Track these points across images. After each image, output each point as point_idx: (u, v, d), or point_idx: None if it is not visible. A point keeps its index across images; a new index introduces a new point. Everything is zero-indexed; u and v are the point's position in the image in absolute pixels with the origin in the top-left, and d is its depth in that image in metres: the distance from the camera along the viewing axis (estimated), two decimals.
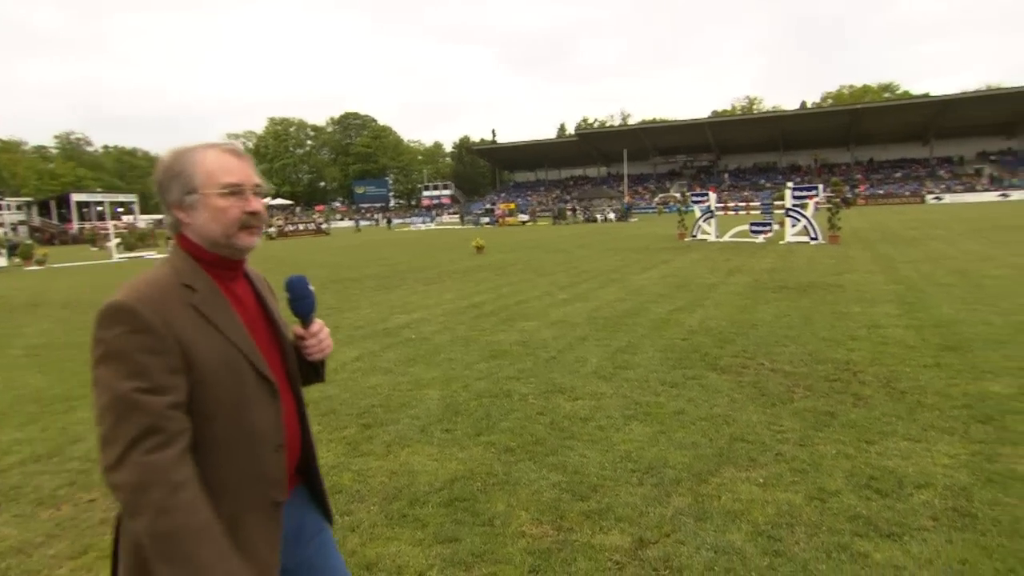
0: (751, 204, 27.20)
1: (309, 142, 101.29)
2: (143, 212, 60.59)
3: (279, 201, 68.42)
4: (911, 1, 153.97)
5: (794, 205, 18.27)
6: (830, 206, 17.45)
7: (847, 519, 2.87)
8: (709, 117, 79.00)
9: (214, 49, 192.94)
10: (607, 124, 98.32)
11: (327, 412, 4.70)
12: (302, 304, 1.40)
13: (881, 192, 61.28)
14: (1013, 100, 60.00)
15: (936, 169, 66.18)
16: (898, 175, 66.54)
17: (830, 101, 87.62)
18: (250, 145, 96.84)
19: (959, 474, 3.25)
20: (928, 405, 4.27)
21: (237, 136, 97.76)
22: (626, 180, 70.83)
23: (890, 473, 3.30)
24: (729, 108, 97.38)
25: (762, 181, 68.95)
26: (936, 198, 55.26)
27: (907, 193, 59.14)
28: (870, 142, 70.42)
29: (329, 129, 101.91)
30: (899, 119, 65.97)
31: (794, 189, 18.68)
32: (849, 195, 51.86)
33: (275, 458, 1.25)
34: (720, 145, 76.04)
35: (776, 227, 19.04)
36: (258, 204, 1.26)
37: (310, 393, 5.12)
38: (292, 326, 1.43)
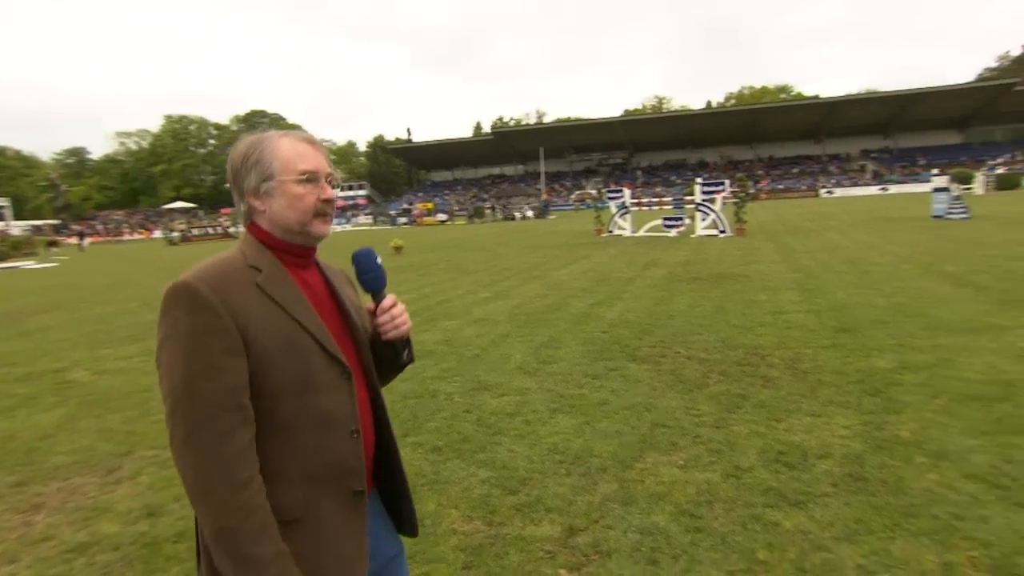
0: (663, 200, 28.34)
1: (212, 141, 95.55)
2: (17, 218, 55.16)
3: (179, 204, 64.35)
4: (803, 9, 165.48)
5: (703, 200, 19.20)
6: (736, 200, 18.47)
7: (760, 492, 3.06)
8: (622, 116, 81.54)
9: (101, 42, 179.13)
10: (523, 123, 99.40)
11: None
12: (370, 278, 1.34)
13: (781, 187, 65.40)
14: (887, 103, 66.21)
15: (827, 165, 71.47)
16: (795, 171, 71.25)
17: (733, 101, 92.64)
18: (144, 145, 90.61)
19: (854, 443, 3.55)
20: (827, 382, 4.62)
21: (129, 135, 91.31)
22: (543, 178, 71.88)
23: (796, 447, 3.54)
24: (640, 107, 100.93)
25: (673, 177, 72.03)
26: (828, 192, 59.66)
27: (804, 188, 63.43)
28: (770, 140, 75.05)
29: (234, 128, 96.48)
30: (794, 119, 70.74)
31: (703, 184, 19.63)
32: (752, 190, 55.02)
33: (350, 444, 1.20)
34: (633, 143, 78.67)
35: (687, 221, 19.93)
36: (332, 192, 1.26)
37: None
38: (366, 305, 1.37)
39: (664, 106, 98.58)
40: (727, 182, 19.57)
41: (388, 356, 1.38)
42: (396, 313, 1.34)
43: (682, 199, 20.98)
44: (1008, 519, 2.68)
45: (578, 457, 3.59)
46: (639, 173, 77.85)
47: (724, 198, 18.97)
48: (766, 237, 17.05)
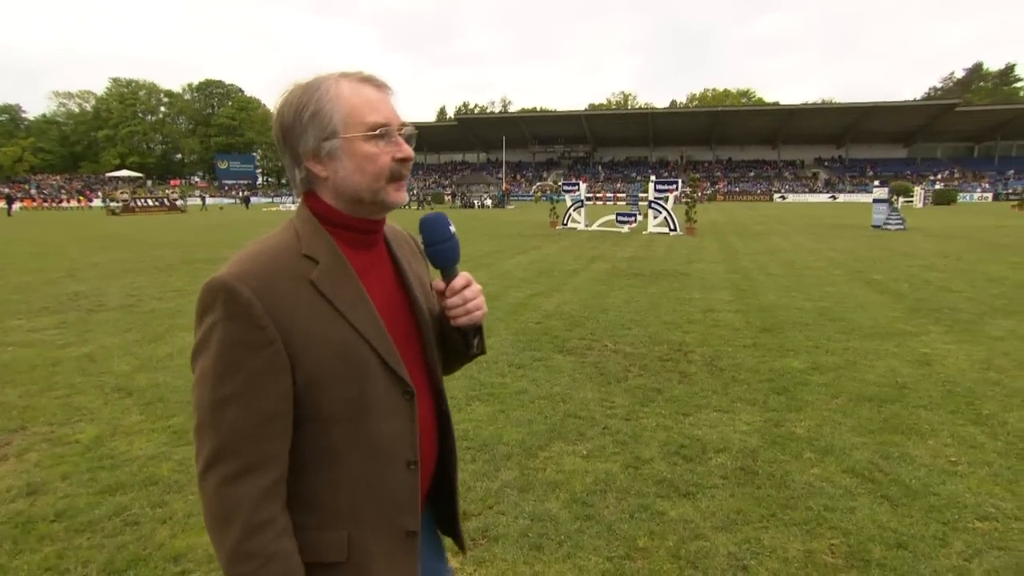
0: (618, 195, 28.72)
1: (162, 109, 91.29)
2: None
3: (124, 172, 61.44)
4: (767, 18, 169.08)
5: (656, 198, 19.52)
6: (688, 200, 18.87)
7: (654, 483, 3.17)
8: (586, 110, 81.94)
9: None
10: (487, 111, 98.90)
11: (153, 400, 4.39)
12: (441, 251, 1.09)
13: (738, 189, 67.14)
14: (841, 114, 68.74)
15: (782, 171, 73.65)
16: (752, 174, 73.21)
17: (696, 102, 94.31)
18: (88, 107, 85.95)
19: (751, 438, 3.70)
20: (740, 380, 4.79)
21: (71, 96, 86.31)
22: (504, 167, 71.75)
23: (697, 441, 3.67)
24: (606, 102, 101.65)
25: (634, 174, 72.95)
26: (782, 197, 61.55)
27: (759, 191, 65.29)
28: (729, 143, 76.82)
29: (187, 96, 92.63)
30: (754, 124, 72.62)
31: (656, 183, 19.96)
32: (708, 191, 56.23)
33: (406, 477, 1.01)
34: (596, 137, 79.26)
35: (640, 218, 20.25)
36: (409, 149, 1.01)
37: (137, 380, 4.77)
38: (434, 282, 1.13)
39: (629, 103, 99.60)
40: (679, 181, 19.93)
41: (456, 344, 1.16)
42: (470, 295, 1.09)
43: (637, 196, 21.28)
44: (872, 510, 2.85)
45: (486, 444, 3.64)
46: (600, 168, 78.56)
47: (677, 197, 19.34)
48: (714, 237, 17.47)
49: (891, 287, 8.81)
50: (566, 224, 21.98)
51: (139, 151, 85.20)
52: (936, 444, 3.58)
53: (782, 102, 76.01)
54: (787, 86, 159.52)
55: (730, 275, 10.15)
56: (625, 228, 20.08)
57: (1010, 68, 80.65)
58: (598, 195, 27.03)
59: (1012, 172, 62.40)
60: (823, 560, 2.50)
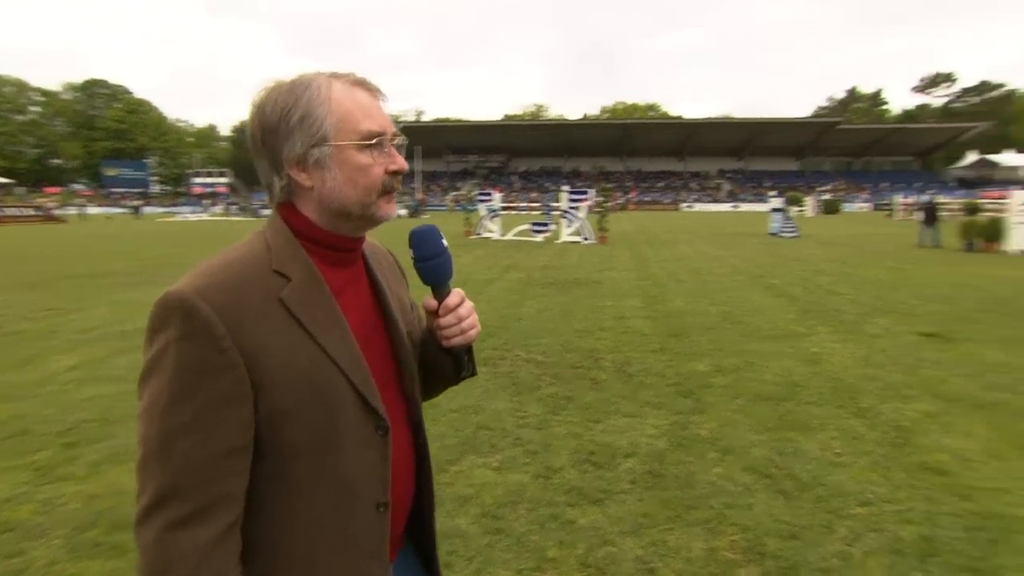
0: (532, 205, 29.15)
1: (35, 108, 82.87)
2: None
3: None
4: (672, 36, 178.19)
5: (570, 208, 19.95)
6: (600, 210, 19.41)
7: (564, 492, 3.17)
8: (501, 120, 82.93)
9: None
10: (400, 119, 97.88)
11: (15, 434, 3.93)
12: (434, 267, 0.99)
13: (648, 199, 69.93)
14: (740, 129, 73.62)
15: (689, 182, 77.51)
16: (661, 185, 76.53)
17: (608, 115, 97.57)
18: None
19: (659, 442, 3.79)
20: (648, 385, 4.92)
21: None
22: (420, 177, 71.14)
23: (607, 447, 3.72)
24: (520, 113, 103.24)
25: (548, 184, 74.31)
26: (688, 206, 64.70)
27: (668, 201, 68.33)
28: (639, 154, 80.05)
29: (66, 96, 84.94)
30: (661, 136, 76.17)
31: (570, 193, 20.41)
32: (620, 201, 58.23)
33: (374, 521, 0.91)
34: (511, 148, 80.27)
35: (554, 227, 20.61)
36: (403, 161, 0.94)
37: None
38: (424, 300, 1.02)
39: (542, 114, 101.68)
40: (592, 191, 20.48)
41: (444, 368, 1.07)
42: (464, 314, 1.00)
43: (551, 205, 21.67)
44: (768, 505, 2.99)
45: None
46: (516, 178, 79.55)
47: (590, 207, 19.84)
48: (625, 246, 18.05)
49: (786, 291, 9.41)
50: (480, 233, 22.03)
51: (6, 154, 76.70)
52: (824, 438, 3.81)
53: (685, 116, 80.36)
54: (690, 101, 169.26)
55: (640, 282, 10.49)
56: (539, 237, 20.37)
57: (878, 92, 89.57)
58: (513, 205, 27.25)
59: (885, 185, 68.75)
60: (724, 557, 2.58)
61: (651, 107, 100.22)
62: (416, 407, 1.03)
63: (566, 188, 20.87)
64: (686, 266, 12.84)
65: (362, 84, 0.92)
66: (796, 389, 4.73)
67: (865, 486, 3.18)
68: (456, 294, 1.01)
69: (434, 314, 1.00)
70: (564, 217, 20.11)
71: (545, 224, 20.64)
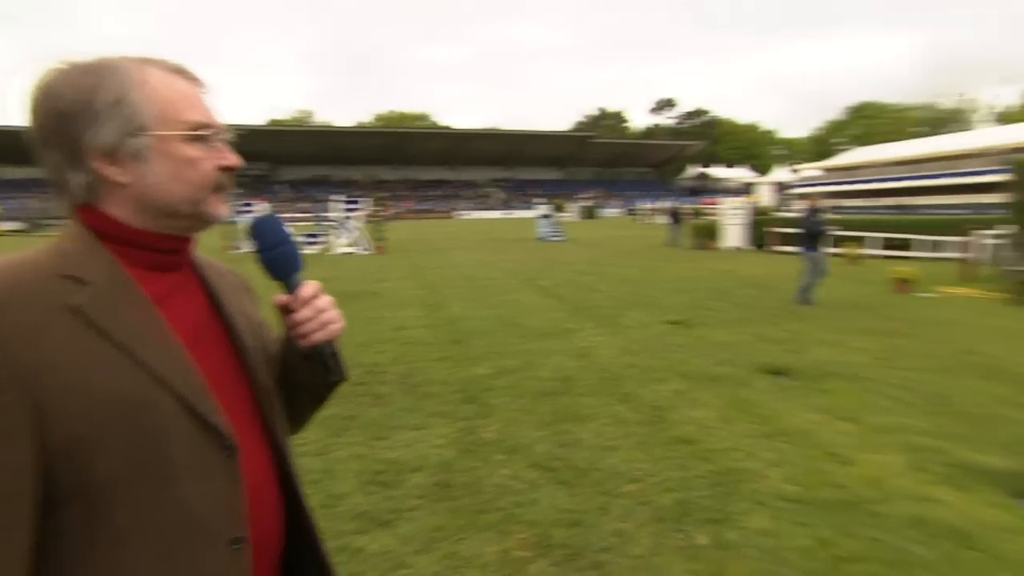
0: (304, 215, 27.66)
1: None
2: None
3: None
4: (438, 47, 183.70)
5: (345, 217, 19.27)
6: (376, 219, 19.08)
7: (351, 518, 2.95)
8: (265, 125, 77.24)
9: None
10: None
11: None
12: (279, 256, 0.89)
13: (424, 208, 70.95)
14: (507, 140, 78.72)
15: (461, 190, 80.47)
16: (436, 193, 78.20)
17: (381, 123, 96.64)
18: None
19: (446, 451, 3.76)
20: (433, 394, 4.88)
21: None
22: None
23: (393, 464, 3.57)
24: (286, 118, 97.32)
25: (319, 194, 71.12)
26: (462, 214, 67.13)
27: (443, 209, 70.08)
28: (414, 163, 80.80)
29: None
30: (433, 145, 77.82)
31: (346, 202, 19.73)
32: (395, 210, 58.24)
33: (229, 560, 0.75)
34: (277, 155, 75.16)
35: (327, 239, 19.74)
36: (236, 157, 0.84)
37: None
38: (274, 298, 0.88)
39: (309, 120, 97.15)
40: (368, 200, 20.08)
41: (309, 378, 0.93)
42: (322, 305, 0.89)
43: (324, 216, 20.70)
44: (552, 497, 3.13)
45: None
46: (283, 187, 74.77)
47: (366, 216, 19.40)
48: (403, 255, 18.00)
49: (555, 291, 10.19)
50: (240, 248, 20.12)
51: None
52: (596, 425, 4.15)
53: (454, 127, 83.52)
54: (459, 113, 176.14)
55: (419, 291, 10.51)
56: (312, 249, 19.33)
57: (620, 112, 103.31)
58: (285, 216, 25.48)
59: (633, 193, 79.30)
60: (515, 556, 2.62)
61: (420, 116, 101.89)
62: (275, 425, 0.88)
63: (336, 197, 20.13)
64: (462, 272, 13.22)
65: (181, 72, 0.82)
66: (570, 383, 5.09)
67: (633, 464, 3.51)
68: (311, 285, 0.90)
69: (287, 311, 0.89)
70: (338, 228, 19.37)
71: (316, 236, 19.66)
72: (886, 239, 16.26)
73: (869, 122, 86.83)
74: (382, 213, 19.50)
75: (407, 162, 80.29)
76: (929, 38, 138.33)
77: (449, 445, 3.85)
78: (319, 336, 0.89)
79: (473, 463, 3.57)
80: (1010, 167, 11.15)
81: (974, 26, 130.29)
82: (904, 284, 10.08)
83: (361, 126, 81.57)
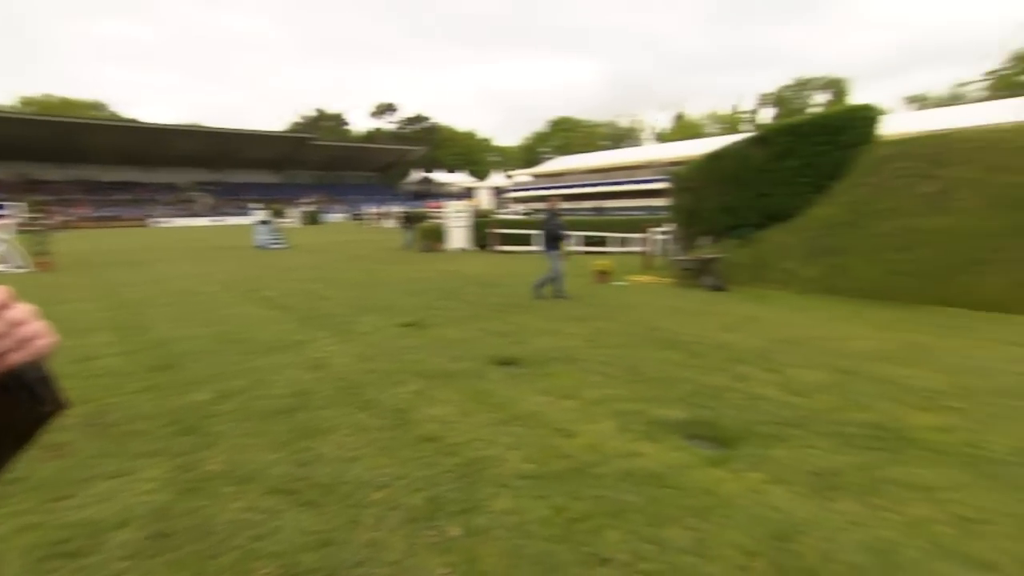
0: None
1: None
2: None
3: None
4: (116, 19, 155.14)
5: None
6: (35, 229, 15.39)
7: None
8: None
9: None
10: None
11: None
12: None
13: (107, 214, 59.71)
14: (214, 138, 70.73)
15: (158, 194, 69.78)
16: (125, 198, 66.37)
17: (33, 108, 77.96)
18: None
19: (160, 495, 3.18)
20: (138, 432, 4.10)
21: None
22: None
23: (85, 526, 2.89)
24: None
25: None
26: (160, 221, 58.28)
27: (134, 216, 59.90)
28: (91, 161, 67.25)
29: None
30: (118, 141, 65.68)
31: None
32: (64, 217, 48.02)
33: None
34: None
35: None
36: None
37: None
38: None
39: None
40: (22, 205, 16.11)
41: (8, 410, 0.70)
42: (20, 317, 0.70)
43: None
44: (297, 521, 2.87)
45: None
46: None
47: (20, 226, 15.52)
48: (81, 271, 14.88)
49: (282, 302, 9.47)
50: None
51: None
52: (338, 438, 3.94)
53: (144, 120, 71.80)
54: (151, 105, 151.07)
55: (109, 313, 8.79)
56: None
57: (340, 114, 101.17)
58: None
59: (357, 197, 78.06)
60: None
61: (95, 106, 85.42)
62: None
63: None
64: (167, 288, 11.47)
65: None
66: (306, 397, 4.76)
67: (379, 471, 3.42)
68: (1, 291, 0.71)
69: None
70: None
71: None
72: (587, 237, 19.41)
73: (567, 134, 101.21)
74: (44, 221, 15.72)
75: (79, 160, 66.56)
76: (609, 67, 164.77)
77: (163, 488, 3.27)
78: (18, 357, 0.72)
79: (197, 502, 3.09)
80: (668, 177, 14.06)
81: (640, 61, 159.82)
82: (603, 275, 11.87)
83: (4, 110, 64.18)
